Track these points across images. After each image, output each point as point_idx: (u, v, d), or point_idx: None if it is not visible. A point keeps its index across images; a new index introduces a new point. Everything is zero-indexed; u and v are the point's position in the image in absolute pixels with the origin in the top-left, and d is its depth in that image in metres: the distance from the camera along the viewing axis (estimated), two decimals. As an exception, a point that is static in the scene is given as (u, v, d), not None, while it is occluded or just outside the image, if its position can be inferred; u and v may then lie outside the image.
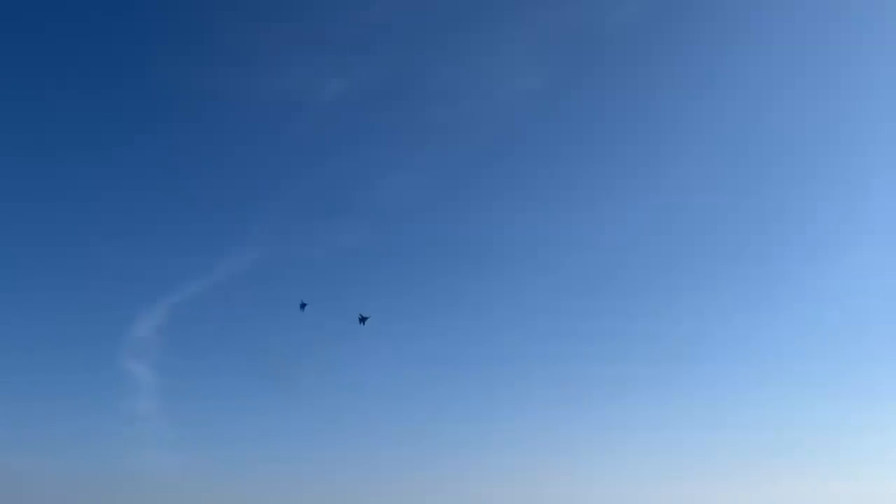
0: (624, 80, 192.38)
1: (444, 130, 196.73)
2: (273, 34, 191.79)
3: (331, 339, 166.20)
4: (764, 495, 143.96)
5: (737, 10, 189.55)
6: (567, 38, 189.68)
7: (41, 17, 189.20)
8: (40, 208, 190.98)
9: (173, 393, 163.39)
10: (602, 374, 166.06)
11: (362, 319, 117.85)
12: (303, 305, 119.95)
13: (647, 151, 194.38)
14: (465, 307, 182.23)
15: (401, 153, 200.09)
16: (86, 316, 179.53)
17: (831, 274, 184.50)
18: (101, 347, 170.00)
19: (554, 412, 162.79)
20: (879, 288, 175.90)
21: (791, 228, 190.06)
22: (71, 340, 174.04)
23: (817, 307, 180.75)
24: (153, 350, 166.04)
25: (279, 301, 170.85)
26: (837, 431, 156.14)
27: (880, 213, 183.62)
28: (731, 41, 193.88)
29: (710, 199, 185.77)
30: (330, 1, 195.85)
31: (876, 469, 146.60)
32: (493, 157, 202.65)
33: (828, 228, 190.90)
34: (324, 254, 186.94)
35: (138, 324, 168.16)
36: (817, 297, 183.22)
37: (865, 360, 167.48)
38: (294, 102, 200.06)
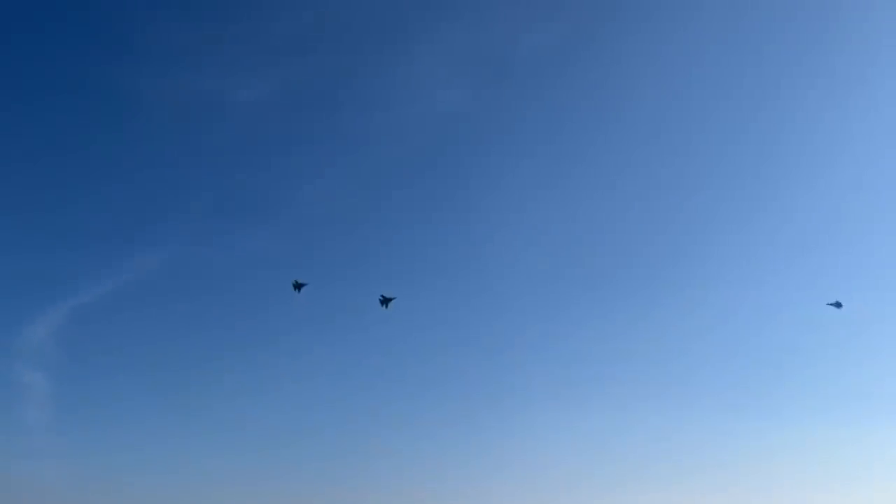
0: (538, 101, 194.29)
1: (363, 141, 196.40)
2: (191, 33, 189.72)
3: (237, 346, 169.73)
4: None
5: (649, 36, 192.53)
6: (487, 57, 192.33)
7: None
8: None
9: (68, 400, 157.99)
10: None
11: (385, 301, 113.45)
12: (298, 286, 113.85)
13: (560, 172, 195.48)
14: (373, 319, 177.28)
15: (318, 162, 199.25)
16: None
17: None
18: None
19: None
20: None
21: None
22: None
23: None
24: (49, 356, 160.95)
25: (186, 306, 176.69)
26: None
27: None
28: (642, 68, 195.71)
29: (630, 214, 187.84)
30: (253, 4, 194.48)
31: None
32: (411, 170, 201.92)
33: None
34: (235, 260, 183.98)
35: (34, 327, 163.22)
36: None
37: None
38: (211, 104, 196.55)
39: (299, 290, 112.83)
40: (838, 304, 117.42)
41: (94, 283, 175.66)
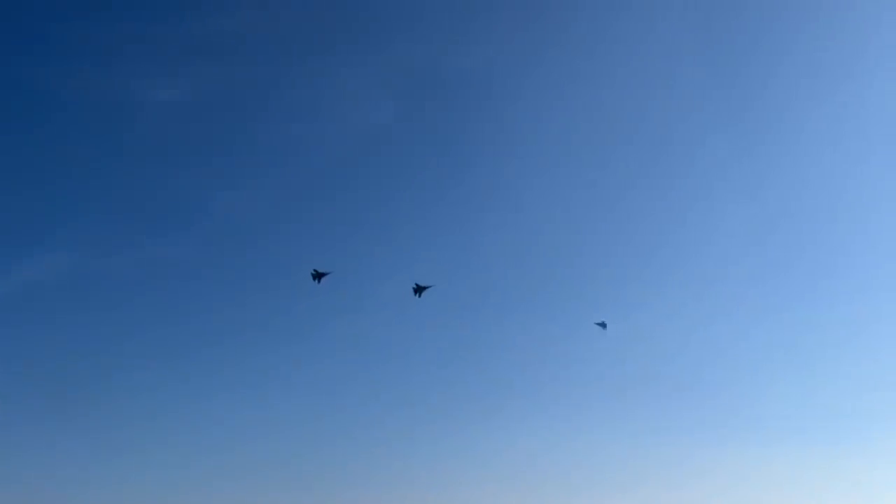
0: (465, 120, 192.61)
1: (282, 152, 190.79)
2: (106, 30, 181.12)
3: (140, 359, 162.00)
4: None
5: (581, 58, 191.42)
6: (415, 75, 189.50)
7: None
8: None
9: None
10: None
11: (418, 290, 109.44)
12: (318, 276, 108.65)
13: (485, 195, 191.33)
14: (284, 331, 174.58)
15: (235, 170, 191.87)
16: None
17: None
18: None
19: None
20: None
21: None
22: None
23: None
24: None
25: (86, 312, 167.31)
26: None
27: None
28: (571, 91, 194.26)
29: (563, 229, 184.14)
30: (175, 4, 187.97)
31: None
32: (331, 182, 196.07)
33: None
34: (142, 267, 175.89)
35: None
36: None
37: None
38: (125, 104, 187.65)
39: (319, 280, 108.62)
40: (603, 325, 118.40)
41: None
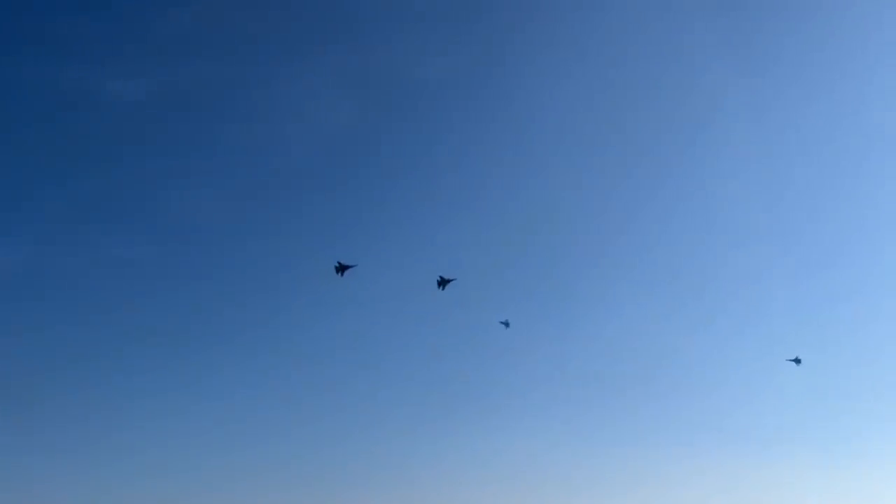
0: (429, 127, 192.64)
1: (244, 151, 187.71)
2: (68, 25, 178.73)
3: (93, 355, 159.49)
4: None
5: (542, 70, 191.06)
6: (386, 79, 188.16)
7: None
8: None
9: None
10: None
11: (442, 283, 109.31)
12: (342, 269, 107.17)
13: (450, 197, 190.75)
14: (242, 330, 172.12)
15: (195, 168, 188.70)
16: None
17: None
18: None
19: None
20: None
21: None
22: None
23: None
24: None
25: (40, 309, 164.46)
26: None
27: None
28: (535, 100, 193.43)
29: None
30: (141, 1, 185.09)
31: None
32: (292, 184, 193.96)
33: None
34: (99, 264, 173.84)
35: None
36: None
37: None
38: (86, 99, 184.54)
39: (342, 273, 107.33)
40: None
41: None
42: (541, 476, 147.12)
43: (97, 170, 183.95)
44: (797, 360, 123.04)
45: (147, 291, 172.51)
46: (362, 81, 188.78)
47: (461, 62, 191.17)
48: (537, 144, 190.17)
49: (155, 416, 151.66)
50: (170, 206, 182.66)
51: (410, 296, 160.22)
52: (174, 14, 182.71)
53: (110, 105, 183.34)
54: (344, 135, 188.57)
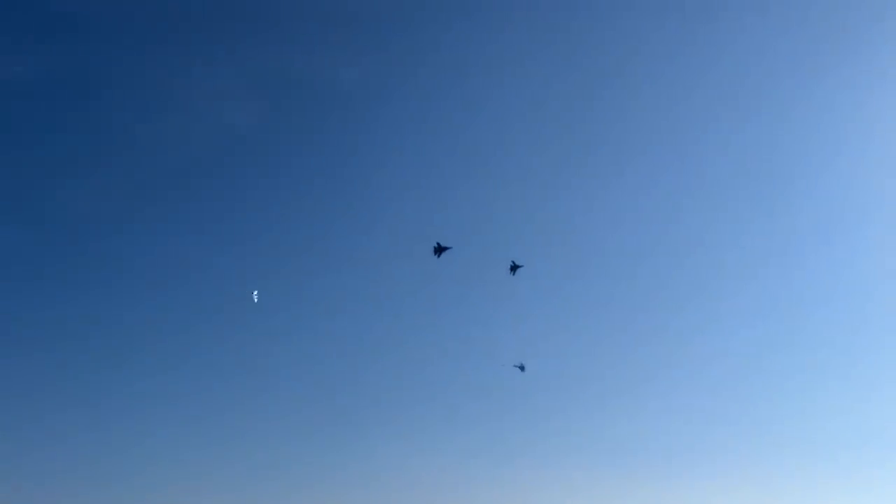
0: (335, 130, 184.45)
1: (137, 145, 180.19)
2: None
3: None
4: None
5: (459, 79, 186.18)
6: (287, 81, 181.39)
7: None
8: None
9: None
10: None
11: (514, 268, 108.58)
12: (440, 250, 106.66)
13: (348, 202, 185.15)
14: (125, 328, 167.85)
15: (84, 160, 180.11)
16: None
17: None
18: None
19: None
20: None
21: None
22: None
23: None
24: None
25: None
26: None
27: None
28: (441, 101, 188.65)
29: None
30: None
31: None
32: (187, 181, 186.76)
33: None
34: None
35: None
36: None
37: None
38: None
39: (440, 254, 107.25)
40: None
41: None
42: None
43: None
44: (522, 367, 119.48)
45: (31, 283, 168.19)
46: (272, 82, 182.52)
47: (375, 69, 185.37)
48: (449, 153, 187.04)
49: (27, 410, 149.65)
50: (56, 197, 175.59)
51: (298, 302, 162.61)
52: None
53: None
54: (248, 136, 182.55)
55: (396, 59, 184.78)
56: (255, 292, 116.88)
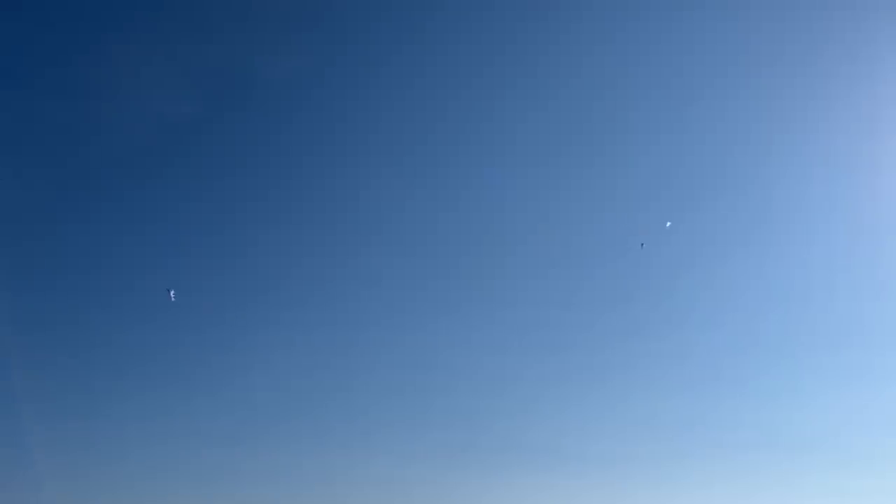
0: (274, 124, 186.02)
1: (63, 134, 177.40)
2: None
3: None
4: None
5: (390, 74, 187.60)
6: (228, 75, 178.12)
7: None
8: None
9: None
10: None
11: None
12: None
13: (286, 204, 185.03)
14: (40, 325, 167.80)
15: (4, 149, 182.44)
16: None
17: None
18: None
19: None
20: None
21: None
22: None
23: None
24: None
25: None
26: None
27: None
28: (387, 102, 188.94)
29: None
30: None
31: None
32: (119, 173, 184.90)
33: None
34: None
35: None
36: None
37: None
38: None
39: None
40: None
41: None
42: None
43: None
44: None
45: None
46: (207, 73, 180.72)
47: (311, 62, 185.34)
48: (380, 149, 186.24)
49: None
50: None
51: (228, 302, 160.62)
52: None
53: None
54: (179, 126, 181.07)
55: (336, 53, 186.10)
56: (172, 291, 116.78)
